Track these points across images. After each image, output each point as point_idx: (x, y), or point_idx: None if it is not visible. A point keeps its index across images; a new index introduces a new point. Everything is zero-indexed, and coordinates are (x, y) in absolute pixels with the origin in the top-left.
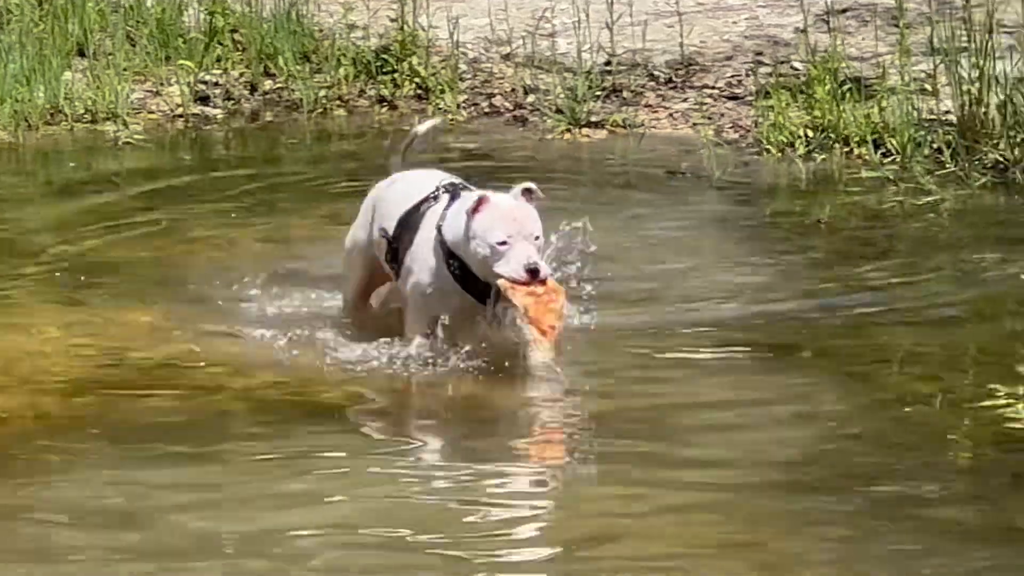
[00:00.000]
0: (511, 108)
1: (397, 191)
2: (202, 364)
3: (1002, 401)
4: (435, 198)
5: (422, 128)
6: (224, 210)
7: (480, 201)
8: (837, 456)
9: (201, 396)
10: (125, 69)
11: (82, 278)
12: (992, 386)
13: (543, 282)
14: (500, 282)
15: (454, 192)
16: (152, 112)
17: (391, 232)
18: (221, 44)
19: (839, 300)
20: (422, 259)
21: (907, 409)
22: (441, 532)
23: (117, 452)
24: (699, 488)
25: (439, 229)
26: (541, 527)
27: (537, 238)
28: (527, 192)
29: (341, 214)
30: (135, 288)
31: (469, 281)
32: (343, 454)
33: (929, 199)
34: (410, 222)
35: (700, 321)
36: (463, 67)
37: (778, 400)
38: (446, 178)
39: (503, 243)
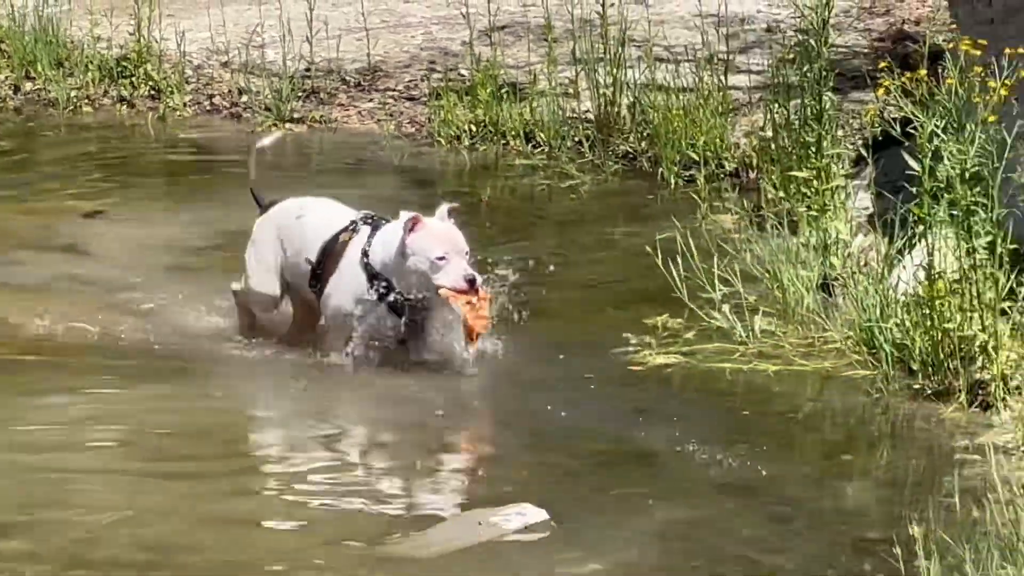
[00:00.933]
0: (228, 106)
1: (312, 222)
2: None
3: (631, 348)
4: (354, 229)
5: (266, 141)
6: None
7: (415, 221)
8: (479, 393)
9: None
10: None
11: None
12: (624, 335)
13: (477, 291)
14: (442, 292)
15: (375, 224)
16: None
17: (315, 259)
18: None
19: (499, 265)
20: (346, 283)
21: (561, 356)
22: None
23: None
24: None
25: (364, 254)
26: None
27: (467, 253)
28: (449, 212)
29: (85, 191)
30: None
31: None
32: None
33: (572, 183)
34: (332, 250)
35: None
36: (189, 72)
37: None
38: (359, 212)
39: (442, 258)
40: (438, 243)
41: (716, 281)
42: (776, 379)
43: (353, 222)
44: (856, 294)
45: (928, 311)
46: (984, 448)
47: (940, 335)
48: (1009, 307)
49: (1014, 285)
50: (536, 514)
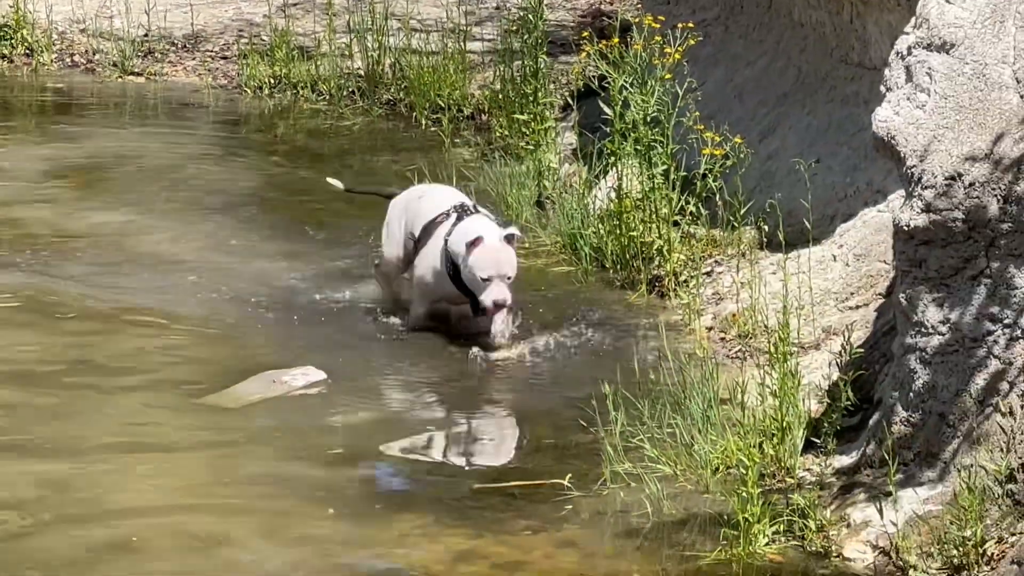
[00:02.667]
0: (85, 63)
1: (423, 205)
2: None
3: None
4: (447, 215)
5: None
6: None
7: (476, 240)
8: (285, 280)
9: None
10: None
11: None
12: None
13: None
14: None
15: (461, 212)
16: None
17: (417, 235)
18: None
19: (286, 181)
20: (427, 260)
21: (340, 254)
22: None
23: None
24: None
25: (446, 241)
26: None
27: (510, 278)
28: (510, 237)
29: None
30: None
31: (459, 279)
32: None
33: (347, 123)
34: (429, 231)
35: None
36: (55, 36)
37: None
38: (458, 199)
39: (487, 279)
40: (487, 266)
41: None
42: None
43: (446, 211)
44: (563, 209)
45: (617, 222)
46: (659, 326)
47: (627, 240)
48: (679, 220)
49: (683, 203)
50: (317, 374)
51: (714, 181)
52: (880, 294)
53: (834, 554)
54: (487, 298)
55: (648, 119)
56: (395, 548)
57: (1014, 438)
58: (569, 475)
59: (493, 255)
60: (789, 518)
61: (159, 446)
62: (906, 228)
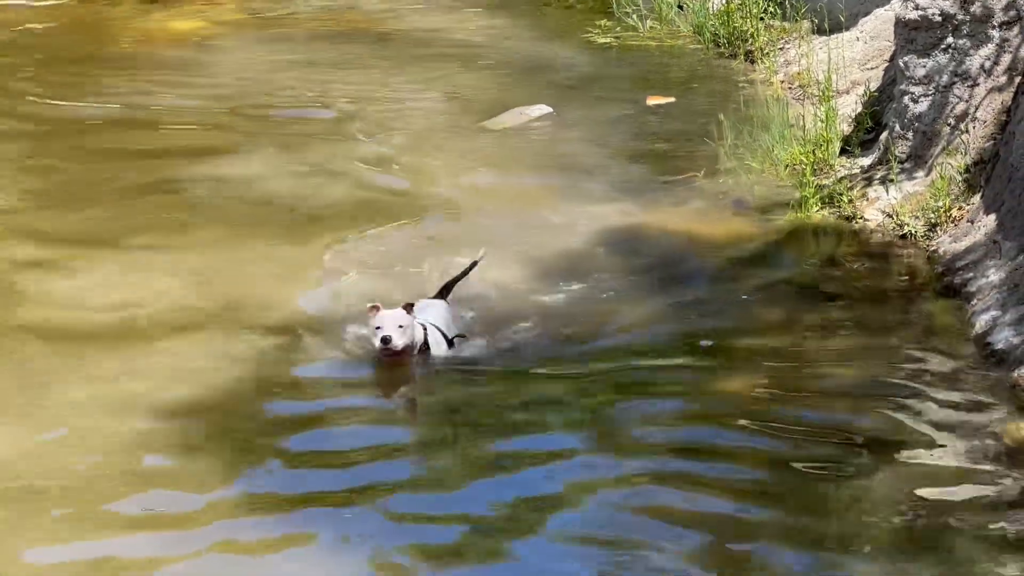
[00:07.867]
0: None
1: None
2: None
3: (588, 35)
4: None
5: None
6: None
7: (371, 308)
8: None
9: None
10: None
11: None
12: (586, 28)
13: (390, 352)
14: None
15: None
16: None
17: None
18: None
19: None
20: None
21: (553, 41)
22: None
23: None
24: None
25: None
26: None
27: (401, 326)
28: (408, 306)
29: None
30: None
31: None
32: None
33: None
34: None
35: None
36: None
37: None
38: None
39: (378, 327)
40: (379, 319)
41: (631, 4)
42: (655, 48)
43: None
44: (693, 8)
45: (726, 17)
46: (752, 81)
47: (731, 28)
48: (763, 16)
49: (766, 5)
50: (547, 109)
51: None
52: (887, 60)
53: (858, 217)
54: (375, 338)
55: None
56: (584, 212)
57: (969, 147)
58: (703, 170)
59: (385, 313)
60: (831, 194)
61: (457, 151)
62: (903, 20)
